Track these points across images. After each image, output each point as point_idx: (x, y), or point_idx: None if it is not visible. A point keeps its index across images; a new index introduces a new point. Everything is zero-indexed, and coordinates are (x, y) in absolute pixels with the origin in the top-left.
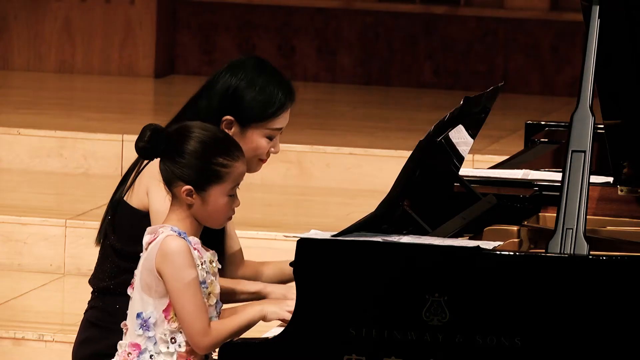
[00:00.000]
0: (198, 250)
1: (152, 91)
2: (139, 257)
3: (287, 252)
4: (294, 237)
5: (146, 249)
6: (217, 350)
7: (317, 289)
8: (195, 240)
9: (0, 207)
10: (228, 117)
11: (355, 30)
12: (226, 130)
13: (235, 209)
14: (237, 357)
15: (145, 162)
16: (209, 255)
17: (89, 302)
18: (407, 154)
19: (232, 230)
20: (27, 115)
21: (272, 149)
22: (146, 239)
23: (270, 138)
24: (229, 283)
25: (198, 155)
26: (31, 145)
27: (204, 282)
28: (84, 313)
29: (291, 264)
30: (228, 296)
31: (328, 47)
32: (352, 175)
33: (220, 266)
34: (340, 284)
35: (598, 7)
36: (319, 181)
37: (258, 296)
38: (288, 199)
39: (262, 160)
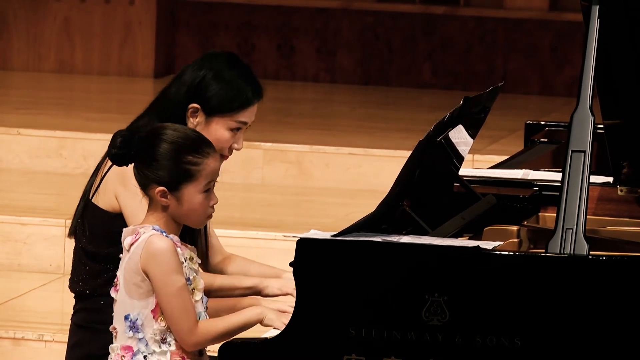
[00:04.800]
0: (180, 248)
1: (152, 91)
2: (111, 258)
3: (287, 252)
4: (293, 237)
5: (128, 250)
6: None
7: (317, 289)
8: (175, 239)
9: (0, 207)
10: (194, 104)
11: (355, 30)
12: (191, 119)
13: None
14: (237, 357)
15: (110, 165)
16: (188, 252)
17: (74, 306)
18: (407, 154)
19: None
20: (27, 115)
21: (235, 145)
22: (128, 240)
23: (233, 131)
24: (225, 279)
25: (168, 156)
26: (31, 145)
27: (187, 278)
28: (71, 318)
29: (291, 264)
30: (225, 292)
31: (328, 47)
32: (351, 175)
33: (200, 261)
34: (340, 284)
35: (598, 7)
36: (319, 181)
37: (254, 291)
38: (288, 199)
39: (224, 156)
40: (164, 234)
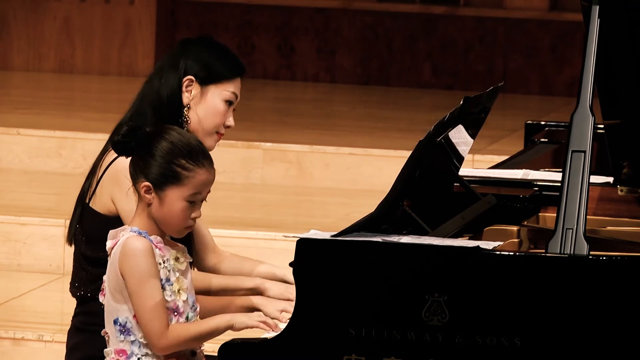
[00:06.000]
0: (160, 249)
1: None
2: None
3: (286, 252)
4: (293, 237)
5: (110, 255)
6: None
7: (317, 289)
8: (157, 239)
9: (0, 207)
10: (188, 77)
11: (355, 30)
12: (186, 93)
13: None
14: (237, 356)
15: (105, 167)
16: (174, 252)
17: (75, 309)
18: (407, 154)
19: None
20: (27, 115)
21: (228, 121)
22: (109, 244)
23: (227, 103)
24: (225, 280)
25: (163, 154)
26: (30, 145)
27: (167, 279)
28: (71, 320)
29: (291, 264)
30: (225, 293)
31: (328, 47)
32: (351, 175)
33: (190, 259)
34: (340, 284)
35: (598, 7)
36: (319, 181)
37: (255, 292)
38: (287, 199)
39: (219, 134)
40: (144, 235)
